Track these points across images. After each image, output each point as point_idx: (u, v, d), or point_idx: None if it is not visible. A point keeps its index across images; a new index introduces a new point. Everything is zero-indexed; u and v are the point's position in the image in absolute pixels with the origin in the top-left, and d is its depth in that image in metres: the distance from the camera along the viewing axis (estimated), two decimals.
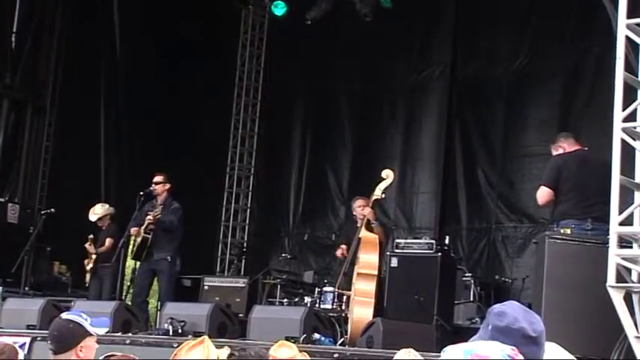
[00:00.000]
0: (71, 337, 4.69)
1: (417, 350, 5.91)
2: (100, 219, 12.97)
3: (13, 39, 14.67)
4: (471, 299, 12.73)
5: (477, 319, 11.95)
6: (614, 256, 7.27)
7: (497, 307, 2.66)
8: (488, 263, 13.88)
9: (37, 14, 14.88)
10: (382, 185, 10.71)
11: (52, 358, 4.70)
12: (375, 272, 10.29)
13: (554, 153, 9.07)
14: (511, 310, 2.62)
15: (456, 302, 12.42)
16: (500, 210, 14.00)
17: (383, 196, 10.81)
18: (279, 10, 15.96)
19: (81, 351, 4.71)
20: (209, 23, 15.96)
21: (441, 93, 14.94)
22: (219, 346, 4.94)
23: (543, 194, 8.72)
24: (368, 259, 10.33)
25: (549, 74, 13.90)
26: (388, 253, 11.74)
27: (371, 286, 10.21)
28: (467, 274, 13.00)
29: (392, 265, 11.45)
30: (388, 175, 10.79)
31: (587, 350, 7.57)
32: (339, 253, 11.38)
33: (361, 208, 11.17)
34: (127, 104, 15.64)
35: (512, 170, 13.98)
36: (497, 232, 13.99)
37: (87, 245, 12.61)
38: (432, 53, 15.20)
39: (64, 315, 4.83)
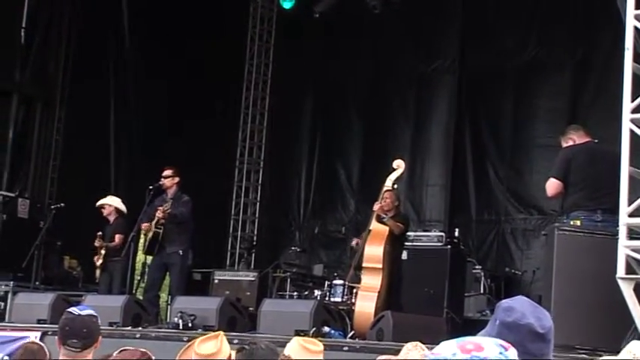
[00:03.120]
0: (96, 332, 4.66)
1: (427, 343, 5.88)
2: (102, 207, 12.89)
3: (22, 34, 14.67)
4: (481, 292, 12.74)
5: (487, 311, 11.95)
6: (624, 247, 7.25)
7: (505, 302, 2.64)
8: (498, 255, 13.87)
9: (45, 10, 14.89)
10: (393, 175, 10.65)
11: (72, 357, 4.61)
12: (380, 265, 10.23)
13: (564, 145, 9.03)
14: (519, 306, 2.60)
15: (466, 295, 12.43)
16: (510, 202, 13.99)
17: (395, 186, 10.73)
18: (288, 3, 15.96)
19: (95, 347, 4.69)
20: (217, 17, 15.95)
21: (449, 86, 14.92)
22: (229, 343, 4.95)
23: (552, 186, 8.70)
24: (373, 251, 10.30)
25: (558, 66, 13.87)
26: None
27: (376, 280, 10.18)
28: (477, 267, 13.00)
29: (402, 258, 11.40)
30: (399, 166, 10.72)
31: (597, 342, 7.56)
32: (353, 243, 11.24)
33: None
34: (136, 99, 15.65)
35: (522, 162, 13.96)
36: (507, 224, 13.97)
37: (96, 242, 12.61)
38: (440, 46, 15.17)
39: (82, 311, 4.75)
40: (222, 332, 4.79)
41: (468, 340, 2.27)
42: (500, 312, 2.60)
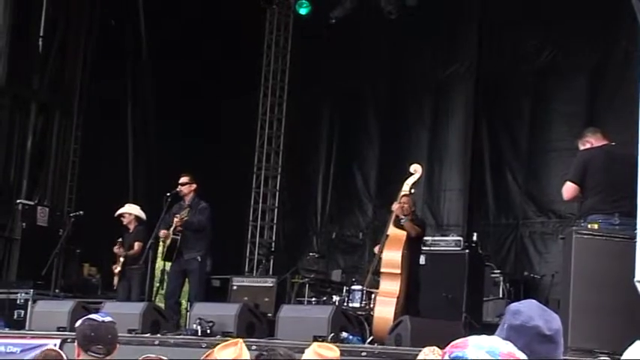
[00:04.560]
0: (116, 338, 4.73)
1: (445, 348, 5.87)
2: (122, 216, 12.93)
3: (40, 43, 14.74)
4: (500, 296, 12.69)
5: None
6: None
7: (513, 306, 2.67)
8: (517, 259, 13.83)
9: (63, 18, 14.95)
10: (410, 180, 10.61)
11: None
12: (398, 271, 10.20)
13: (581, 148, 8.99)
14: (527, 309, 2.63)
15: (484, 299, 12.40)
16: (528, 205, 13.96)
17: (412, 191, 10.67)
18: (304, 9, 16.00)
19: (113, 353, 4.74)
20: (234, 23, 15.99)
21: (466, 90, 14.91)
22: (247, 349, 4.96)
23: (568, 190, 8.66)
24: (391, 257, 10.27)
25: (575, 69, 13.83)
26: None
27: (394, 286, 10.15)
28: (495, 271, 12.97)
29: (420, 263, 11.36)
30: (416, 170, 10.67)
31: (616, 346, 7.51)
32: (377, 249, 11.18)
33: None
34: (153, 105, 15.70)
35: (539, 166, 13.93)
36: (525, 227, 13.93)
37: (115, 249, 12.65)
38: (457, 50, 15.16)
39: (103, 318, 4.79)
40: (241, 339, 4.79)
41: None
42: (509, 315, 2.64)
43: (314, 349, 4.90)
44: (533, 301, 2.70)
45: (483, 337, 2.32)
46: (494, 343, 2.25)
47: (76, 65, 15.19)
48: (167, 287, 12.02)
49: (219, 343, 4.93)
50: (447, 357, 2.23)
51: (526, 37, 14.36)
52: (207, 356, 4.80)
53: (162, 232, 11.83)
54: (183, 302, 12.73)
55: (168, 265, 12.13)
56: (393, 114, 15.62)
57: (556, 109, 13.95)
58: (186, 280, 12.02)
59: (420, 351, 5.66)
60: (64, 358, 5.72)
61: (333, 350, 4.98)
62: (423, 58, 15.38)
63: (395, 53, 15.57)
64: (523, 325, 2.58)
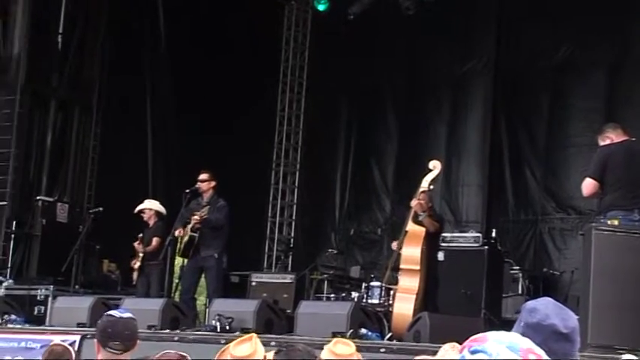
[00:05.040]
0: (136, 335, 4.74)
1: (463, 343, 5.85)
2: (142, 212, 12.97)
3: (59, 40, 14.80)
4: (519, 292, 12.65)
5: None
6: None
7: (530, 304, 2.67)
8: (536, 256, 13.79)
9: (82, 15, 14.99)
10: (429, 176, 10.56)
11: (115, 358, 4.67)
12: (417, 267, 10.18)
13: (601, 143, 8.94)
14: (543, 307, 2.62)
15: (504, 295, 12.36)
16: (547, 201, 13.92)
17: (431, 187, 10.62)
18: (322, 5, 16.00)
19: (134, 350, 4.75)
20: (253, 20, 16.01)
21: (485, 85, 14.88)
22: (265, 344, 4.97)
23: (588, 186, 8.61)
24: (410, 253, 10.25)
25: (593, 65, 13.78)
26: None
27: (413, 282, 10.14)
28: (514, 267, 12.93)
29: (438, 259, 11.34)
30: (435, 166, 10.62)
31: (636, 342, 7.50)
32: (394, 245, 11.16)
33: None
34: (173, 102, 15.74)
35: (558, 161, 13.89)
36: (544, 224, 13.89)
37: (135, 244, 12.70)
38: (475, 46, 15.14)
39: (122, 314, 4.81)
40: (255, 334, 4.79)
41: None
42: (525, 313, 2.64)
43: (329, 349, 4.91)
44: (550, 298, 2.69)
45: (502, 332, 2.32)
46: (514, 338, 2.25)
47: (95, 62, 15.22)
48: (183, 284, 12.04)
49: (235, 339, 4.95)
50: (466, 352, 2.22)
51: (544, 33, 14.32)
52: (221, 353, 4.80)
53: (178, 231, 11.84)
54: (202, 298, 12.77)
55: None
56: (411, 110, 15.60)
57: (574, 104, 13.91)
58: (202, 276, 12.06)
59: (439, 347, 5.66)
60: (71, 351, 5.74)
61: (349, 346, 4.98)
62: (441, 54, 15.35)
63: (413, 49, 15.55)
64: (539, 323, 2.57)
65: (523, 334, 2.51)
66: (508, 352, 2.18)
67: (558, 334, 2.56)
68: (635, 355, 6.77)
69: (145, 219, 12.97)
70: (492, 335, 2.24)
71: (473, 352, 2.18)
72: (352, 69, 16.08)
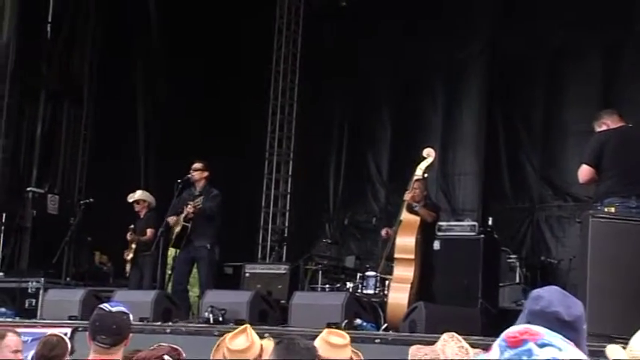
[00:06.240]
0: (126, 329, 4.70)
1: (461, 334, 5.86)
2: (137, 203, 13.00)
3: (48, 29, 14.75)
4: (517, 281, 12.67)
5: (522, 301, 11.87)
6: None
7: (535, 292, 2.69)
8: (533, 244, 13.79)
9: (72, 2, 14.96)
10: (423, 164, 10.59)
11: (99, 357, 4.66)
12: (412, 256, 10.20)
13: (597, 130, 8.95)
14: (548, 294, 2.65)
15: (500, 285, 12.38)
16: (544, 189, 13.92)
17: (425, 175, 10.66)
18: None
19: (125, 344, 4.74)
20: (244, 7, 15.98)
21: (481, 71, 14.84)
22: (259, 335, 4.98)
23: (584, 172, 8.62)
24: (404, 242, 10.26)
25: (590, 50, 13.75)
26: None
27: (408, 272, 10.16)
28: (511, 256, 12.94)
29: (434, 248, 11.36)
30: (429, 154, 10.65)
31: (633, 330, 7.50)
32: (383, 232, 11.22)
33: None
34: (165, 91, 15.72)
35: (555, 148, 13.87)
36: (541, 211, 13.89)
37: (128, 235, 12.71)
38: (471, 31, 15.08)
39: (113, 307, 4.80)
40: (248, 325, 4.80)
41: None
42: (530, 301, 2.67)
43: (323, 337, 4.91)
44: (556, 287, 2.72)
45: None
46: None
47: (86, 51, 15.19)
48: (175, 275, 12.04)
49: (231, 331, 4.95)
50: (532, 345, 2.19)
51: (540, 17, 14.28)
52: (217, 347, 4.80)
53: (172, 219, 11.86)
54: (195, 290, 12.78)
55: None
56: (405, 96, 15.56)
57: (572, 90, 13.89)
58: (194, 267, 12.07)
59: (435, 337, 5.66)
60: (67, 342, 5.74)
61: (342, 337, 4.99)
62: (436, 40, 15.30)
63: (407, 34, 15.49)
64: (543, 310, 2.59)
65: (527, 322, 2.53)
66: (570, 347, 2.19)
67: (562, 321, 2.57)
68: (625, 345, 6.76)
69: (137, 210, 12.98)
70: (544, 329, 2.23)
71: (542, 346, 2.16)
72: (345, 56, 16.04)
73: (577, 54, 13.92)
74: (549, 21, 14.14)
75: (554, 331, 2.45)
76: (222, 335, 5.09)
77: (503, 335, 2.24)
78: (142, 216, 12.96)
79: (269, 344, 4.63)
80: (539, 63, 14.24)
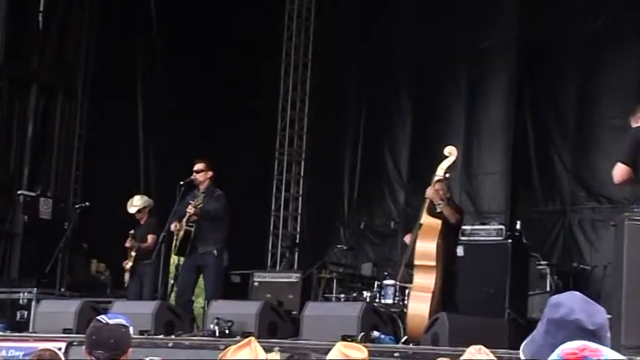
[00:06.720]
0: (124, 343, 4.73)
1: (487, 347, 5.89)
2: (138, 211, 13.08)
3: (40, 19, 14.81)
4: (547, 289, 12.66)
5: None
6: None
7: (554, 298, 2.69)
8: (565, 249, 13.79)
9: None
10: (445, 164, 10.58)
11: None
12: (433, 263, 10.20)
13: (634, 125, 8.96)
14: (568, 301, 2.64)
15: (530, 293, 12.38)
16: (577, 190, 13.90)
17: (446, 175, 10.64)
18: None
19: (123, 357, 4.77)
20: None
21: (508, 61, 14.81)
22: (268, 349, 5.02)
23: (620, 171, 8.60)
24: (424, 248, 10.26)
25: (628, 35, 13.72)
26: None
27: (429, 280, 10.16)
28: (541, 262, 12.94)
29: (458, 254, 11.33)
30: (451, 152, 10.65)
31: None
32: (406, 239, 11.11)
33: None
34: (166, 85, 15.74)
35: (589, 145, 13.85)
36: (574, 214, 13.88)
37: (127, 242, 12.74)
38: (496, 17, 15.05)
39: (110, 319, 4.84)
40: (253, 337, 4.85)
41: None
42: (549, 308, 2.66)
43: (339, 349, 4.95)
44: (577, 292, 2.71)
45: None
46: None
47: (80, 42, 15.23)
48: (178, 284, 12.05)
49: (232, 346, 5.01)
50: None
51: (573, 2, 14.27)
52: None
53: (174, 226, 11.83)
54: (200, 300, 12.81)
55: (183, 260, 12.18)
56: (425, 90, 15.55)
57: (608, 82, 13.86)
58: (201, 276, 12.06)
59: (459, 351, 5.69)
60: (61, 357, 5.78)
61: (360, 350, 5.02)
62: (459, 28, 15.29)
63: (428, 22, 15.49)
64: (563, 318, 2.59)
65: (546, 331, 2.55)
66: None
67: (584, 330, 2.57)
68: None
69: (138, 217, 13.05)
70: (601, 346, 2.25)
71: None
72: (362, 47, 16.05)
73: (612, 41, 13.88)
74: (582, 3, 14.10)
75: (577, 339, 2.47)
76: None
77: (559, 352, 2.25)
78: (142, 222, 13.01)
79: (275, 358, 4.68)
80: (571, 51, 14.22)
